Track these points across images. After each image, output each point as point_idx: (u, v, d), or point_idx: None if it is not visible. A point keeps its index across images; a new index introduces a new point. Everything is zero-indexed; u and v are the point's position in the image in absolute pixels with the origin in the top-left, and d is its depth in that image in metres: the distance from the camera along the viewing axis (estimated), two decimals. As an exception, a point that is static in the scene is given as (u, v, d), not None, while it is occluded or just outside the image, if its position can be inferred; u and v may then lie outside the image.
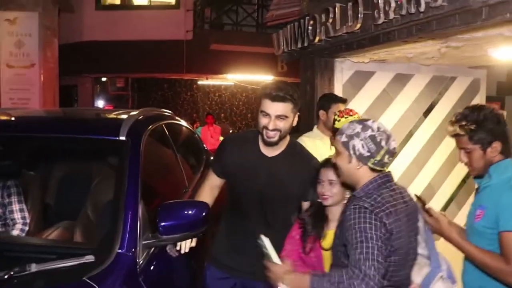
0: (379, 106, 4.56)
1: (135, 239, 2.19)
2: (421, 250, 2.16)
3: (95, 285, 1.87)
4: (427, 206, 2.32)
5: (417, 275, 2.14)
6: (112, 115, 3.37)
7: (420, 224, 2.16)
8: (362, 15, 3.14)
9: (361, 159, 1.98)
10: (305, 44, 3.98)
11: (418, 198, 2.29)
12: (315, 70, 4.28)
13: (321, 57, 4.25)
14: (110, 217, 2.32)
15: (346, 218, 1.96)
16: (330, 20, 3.50)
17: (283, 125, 2.44)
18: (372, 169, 2.01)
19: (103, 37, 11.47)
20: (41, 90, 7.69)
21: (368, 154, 1.97)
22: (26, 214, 3.08)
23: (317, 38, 3.75)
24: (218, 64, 11.68)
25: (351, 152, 1.99)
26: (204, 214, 2.41)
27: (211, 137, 10.41)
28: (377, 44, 3.35)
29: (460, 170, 4.86)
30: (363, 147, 1.97)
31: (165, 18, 11.73)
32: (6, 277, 1.87)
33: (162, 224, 2.27)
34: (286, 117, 2.43)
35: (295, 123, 2.52)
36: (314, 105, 4.29)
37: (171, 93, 14.81)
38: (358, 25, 3.21)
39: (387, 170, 2.08)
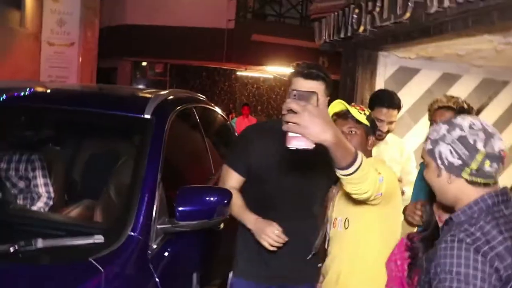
0: (422, 106, 4.29)
1: (149, 222, 2.07)
2: None
3: (100, 267, 1.75)
4: None
5: None
6: (140, 93, 3.28)
7: None
8: (412, 4, 2.91)
9: (452, 169, 1.48)
10: (349, 34, 3.79)
11: None
12: (357, 62, 4.07)
13: (365, 49, 4.03)
14: (126, 197, 2.21)
15: (438, 252, 1.41)
16: (377, 9, 3.30)
17: None
18: (472, 183, 1.48)
19: (145, 21, 11.48)
20: (79, 69, 7.72)
21: (460, 162, 1.46)
22: (51, 189, 3.02)
23: (361, 28, 3.56)
24: (258, 55, 11.54)
25: (439, 162, 1.51)
26: (226, 202, 2.28)
27: (246, 128, 10.27)
28: (427, 37, 3.12)
29: (509, 180, 4.57)
30: (451, 153, 1.47)
31: (208, 6, 11.63)
32: (11, 250, 1.78)
33: (180, 209, 2.15)
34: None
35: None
36: (354, 99, 4.09)
37: (209, 82, 14.78)
38: (408, 14, 2.99)
39: (501, 186, 1.54)
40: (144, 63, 14.12)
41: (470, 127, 1.47)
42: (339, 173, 1.66)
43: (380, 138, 3.10)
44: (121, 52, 12.00)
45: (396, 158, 3.20)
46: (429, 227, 1.87)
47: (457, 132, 1.47)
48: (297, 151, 1.42)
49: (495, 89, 4.46)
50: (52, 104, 2.75)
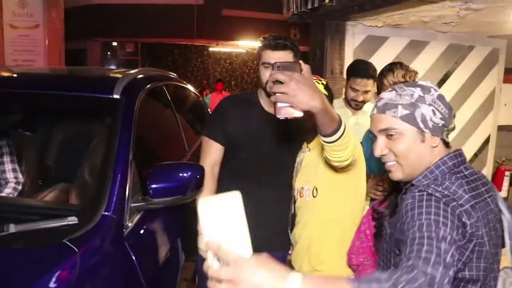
0: (392, 74, 4.37)
1: (123, 201, 2.08)
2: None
3: (74, 248, 1.76)
4: None
5: None
6: (109, 74, 3.25)
7: (505, 222, 1.49)
8: (375, -28, 2.93)
9: (436, 131, 1.41)
10: (316, 5, 3.78)
11: None
12: (326, 33, 4.08)
13: (332, 20, 4.04)
14: (99, 178, 2.21)
15: (405, 207, 1.35)
16: (342, -22, 3.30)
17: None
18: (446, 143, 1.46)
19: (112, 0, 11.25)
20: (46, 52, 7.49)
21: (443, 122, 1.41)
22: (19, 175, 3.00)
23: (328, -2, 3.55)
24: (230, 30, 11.48)
25: (421, 125, 1.40)
26: (198, 177, 2.30)
27: (220, 104, 10.20)
28: (392, 5, 3.14)
29: (474, 143, 4.70)
30: (434, 113, 1.40)
31: (175, -19, 11.46)
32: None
33: (153, 186, 2.16)
34: None
35: None
36: (324, 70, 4.12)
37: (181, 59, 14.64)
38: (371, -17, 3.00)
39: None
40: (114, 43, 13.89)
41: (436, 86, 1.45)
42: (324, 140, 1.70)
43: (357, 107, 3.16)
44: (89, 32, 11.78)
45: None
46: (392, 193, 1.83)
47: (433, 92, 1.42)
48: (286, 120, 1.45)
49: (461, 54, 4.54)
50: (20, 88, 2.70)
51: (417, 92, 1.41)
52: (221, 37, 12.23)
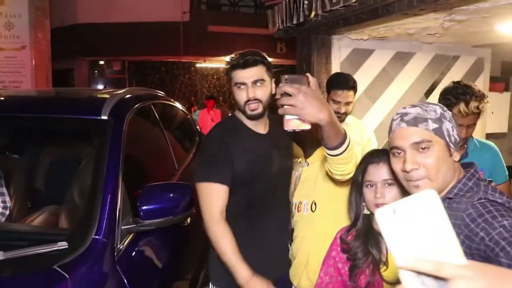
0: (379, 85, 4.40)
1: (113, 224, 2.06)
2: None
3: (65, 274, 1.73)
4: None
5: None
6: (97, 94, 3.23)
7: None
8: (359, -14, 2.95)
9: (456, 146, 1.46)
10: (301, 20, 3.79)
11: None
12: (312, 47, 4.09)
13: (318, 34, 4.06)
14: (88, 201, 2.19)
15: (468, 217, 1.31)
16: (327, -7, 3.31)
17: (262, 92, 2.18)
18: (458, 160, 1.50)
19: (99, 19, 11.29)
20: (33, 72, 7.49)
21: (458, 138, 1.47)
22: (7, 198, 2.95)
23: (313, 13, 3.56)
24: (216, 46, 11.52)
25: (447, 139, 1.43)
26: (188, 197, 2.29)
27: (211, 120, 10.14)
28: (376, 18, 3.16)
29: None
30: (453, 130, 1.46)
31: (161, -1, 11.53)
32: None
33: (143, 208, 2.15)
34: (263, 80, 2.17)
35: (274, 90, 2.21)
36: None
37: (168, 76, 14.66)
38: (356, -3, 3.02)
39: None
40: (101, 62, 13.89)
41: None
42: (329, 153, 1.71)
43: (340, 119, 3.16)
44: (76, 52, 11.78)
45: (357, 139, 3.27)
46: (358, 220, 1.86)
47: (447, 111, 1.47)
48: (293, 132, 1.47)
49: (447, 64, 4.58)
50: (8, 112, 2.68)
51: (438, 109, 1.45)
52: (208, 53, 12.27)
